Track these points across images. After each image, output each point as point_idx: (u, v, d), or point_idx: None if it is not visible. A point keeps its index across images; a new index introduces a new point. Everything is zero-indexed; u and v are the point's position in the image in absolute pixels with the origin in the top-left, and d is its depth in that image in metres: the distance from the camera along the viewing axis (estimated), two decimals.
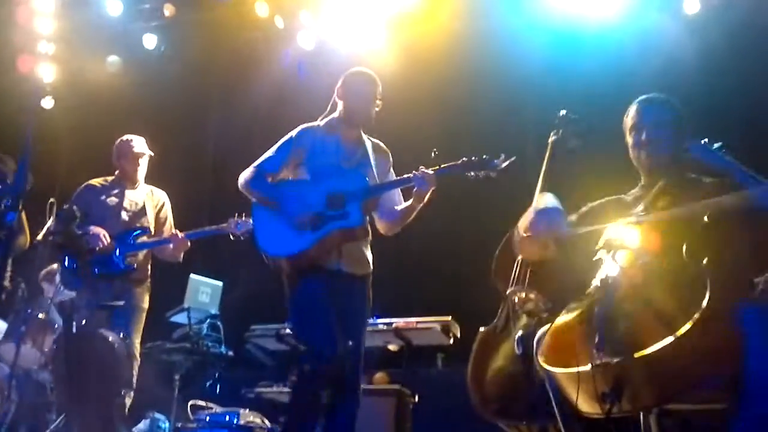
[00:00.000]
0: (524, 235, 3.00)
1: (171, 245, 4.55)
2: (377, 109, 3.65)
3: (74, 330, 3.56)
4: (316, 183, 3.48)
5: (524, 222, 3.06)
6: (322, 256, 3.39)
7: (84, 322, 3.82)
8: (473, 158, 3.47)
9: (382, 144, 3.73)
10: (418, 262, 5.90)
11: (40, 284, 5.36)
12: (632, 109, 2.92)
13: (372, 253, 3.68)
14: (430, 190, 3.43)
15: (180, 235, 4.49)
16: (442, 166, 3.46)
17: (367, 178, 3.50)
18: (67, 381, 3.44)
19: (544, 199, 3.03)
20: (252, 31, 6.75)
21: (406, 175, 3.47)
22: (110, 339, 3.75)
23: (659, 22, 5.50)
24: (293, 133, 3.63)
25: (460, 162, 3.48)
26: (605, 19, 5.57)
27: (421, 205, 3.48)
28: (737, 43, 5.16)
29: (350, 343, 3.37)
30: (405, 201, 3.60)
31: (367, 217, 3.54)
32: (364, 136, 3.68)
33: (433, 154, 3.47)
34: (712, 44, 5.18)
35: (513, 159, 3.46)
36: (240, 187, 3.60)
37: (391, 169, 3.72)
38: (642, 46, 5.36)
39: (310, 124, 3.66)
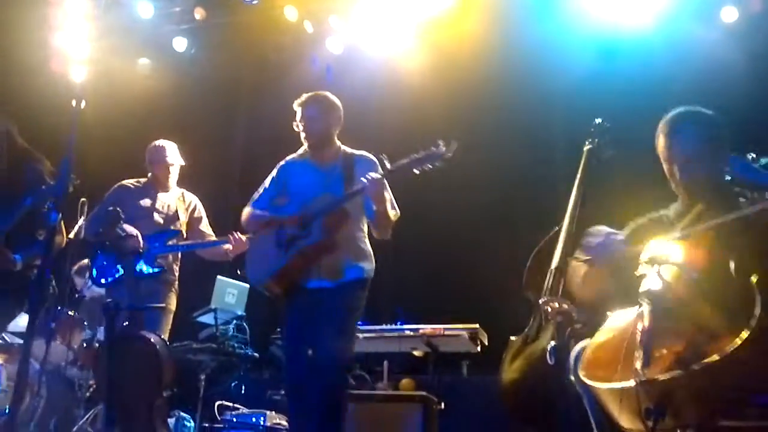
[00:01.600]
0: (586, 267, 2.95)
1: (228, 245, 4.51)
2: (335, 124, 3.82)
3: (116, 330, 3.57)
4: (294, 207, 3.77)
5: (577, 269, 3.02)
6: (294, 274, 3.66)
7: (126, 323, 3.84)
8: (420, 153, 3.59)
9: (365, 153, 3.83)
10: (447, 269, 5.90)
11: (72, 278, 5.41)
12: (661, 137, 2.82)
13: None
14: (383, 191, 3.53)
15: (240, 237, 4.43)
16: (390, 166, 3.59)
17: (338, 195, 3.68)
18: (108, 382, 3.46)
19: (598, 229, 2.98)
20: (281, 35, 6.78)
21: (356, 186, 3.62)
22: (152, 340, 3.78)
23: (696, 30, 5.45)
24: (275, 169, 3.96)
25: (407, 160, 3.59)
26: (640, 27, 5.53)
27: (383, 206, 3.58)
28: None
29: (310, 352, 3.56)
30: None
31: (333, 231, 3.65)
32: (342, 153, 3.82)
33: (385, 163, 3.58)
34: (751, 52, 5.12)
35: (457, 145, 3.60)
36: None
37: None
38: (678, 55, 5.31)
39: (290, 156, 3.94)
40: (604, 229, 2.95)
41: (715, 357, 2.05)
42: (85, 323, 5.09)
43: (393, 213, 3.67)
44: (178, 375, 4.91)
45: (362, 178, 3.54)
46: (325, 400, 3.46)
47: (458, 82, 6.01)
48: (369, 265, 3.74)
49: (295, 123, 3.84)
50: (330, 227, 3.66)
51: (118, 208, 3.99)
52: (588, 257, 2.91)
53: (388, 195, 3.62)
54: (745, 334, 2.07)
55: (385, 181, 3.53)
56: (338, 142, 3.86)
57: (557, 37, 5.77)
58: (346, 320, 3.62)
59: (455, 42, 6.06)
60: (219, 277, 5.62)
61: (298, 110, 3.83)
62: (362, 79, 6.38)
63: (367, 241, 3.80)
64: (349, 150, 3.84)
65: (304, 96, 3.85)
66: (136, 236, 4.40)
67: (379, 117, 5.83)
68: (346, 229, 3.69)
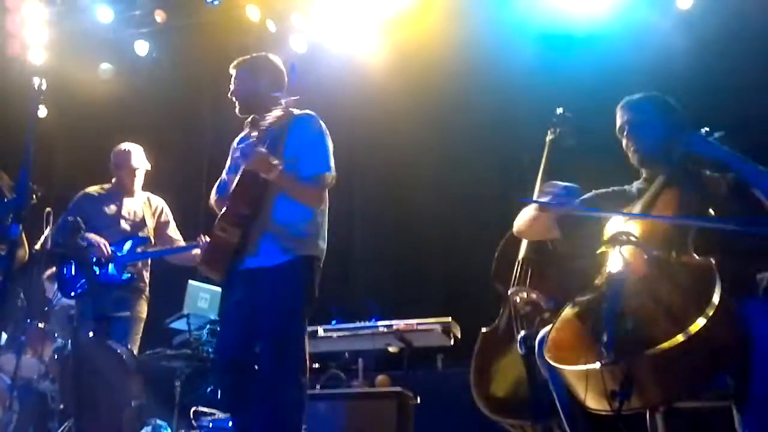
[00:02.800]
0: (534, 210, 2.96)
1: (197, 250, 4.43)
2: (269, 86, 3.49)
3: (81, 341, 3.53)
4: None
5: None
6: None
7: (91, 333, 3.80)
8: None
9: (306, 112, 3.46)
10: (417, 264, 5.91)
11: (44, 284, 5.33)
12: (618, 112, 2.94)
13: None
14: (259, 160, 3.21)
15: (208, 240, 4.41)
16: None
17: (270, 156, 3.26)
18: (75, 393, 3.42)
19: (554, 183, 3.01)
20: (244, 36, 6.73)
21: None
22: (118, 350, 3.74)
23: (652, 17, 5.50)
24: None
25: None
26: (596, 15, 5.57)
27: (270, 175, 3.24)
28: (731, 36, 5.17)
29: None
30: None
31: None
32: (283, 116, 3.40)
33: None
34: (705, 39, 5.19)
35: None
36: None
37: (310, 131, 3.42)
38: (635, 42, 5.37)
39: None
40: (559, 183, 2.99)
41: (679, 338, 2.08)
42: (56, 335, 5.03)
43: (279, 173, 3.22)
44: (152, 383, 4.90)
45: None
46: None
47: (421, 78, 6.02)
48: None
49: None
50: None
51: (78, 218, 3.92)
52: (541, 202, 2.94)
53: (275, 160, 3.22)
54: (708, 314, 2.09)
55: (256, 146, 3.20)
56: (281, 104, 3.43)
57: (516, 29, 5.80)
58: None
59: (417, 38, 6.07)
60: (191, 281, 5.56)
61: (231, 74, 3.57)
62: (326, 77, 6.36)
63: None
64: (295, 111, 3.43)
65: (236, 60, 3.58)
66: (102, 245, 4.36)
67: (343, 114, 5.81)
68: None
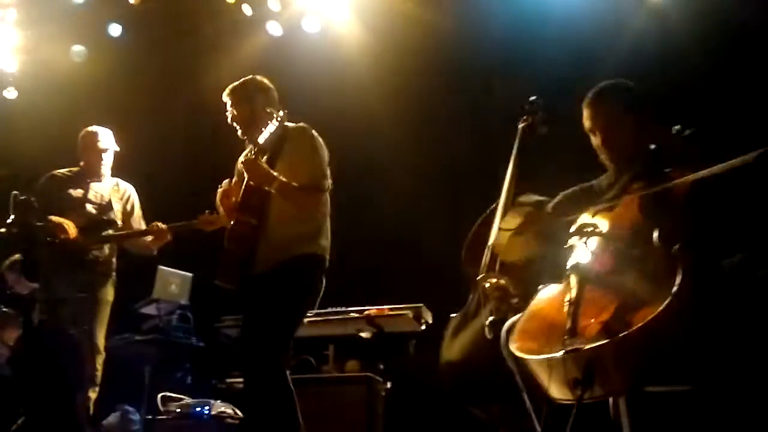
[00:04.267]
0: (509, 234, 2.99)
1: (150, 237, 4.47)
2: (261, 105, 3.75)
3: (35, 325, 3.47)
4: None
5: (510, 223, 3.06)
6: None
7: (46, 317, 3.75)
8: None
9: (300, 125, 3.75)
10: (388, 249, 5.91)
11: (3, 275, 5.26)
12: (585, 109, 2.90)
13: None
14: (254, 171, 3.54)
15: (162, 227, 4.41)
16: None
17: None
18: (28, 378, 3.38)
19: (527, 197, 3.04)
20: (219, 19, 6.67)
21: None
22: (72, 334, 3.70)
23: (623, 7, 5.52)
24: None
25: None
26: (568, 4, 5.58)
27: (263, 183, 3.56)
28: (700, 29, 5.20)
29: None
30: None
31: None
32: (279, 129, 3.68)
33: None
34: (676, 30, 5.22)
35: None
36: None
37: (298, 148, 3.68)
38: (606, 32, 5.38)
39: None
40: (533, 197, 2.99)
41: (638, 326, 2.08)
42: (21, 319, 4.96)
43: (279, 183, 3.50)
44: (121, 368, 4.86)
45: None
46: None
47: (397, 61, 6.02)
48: None
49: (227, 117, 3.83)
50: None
51: (31, 198, 3.85)
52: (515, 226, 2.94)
53: (275, 172, 3.51)
54: (666, 303, 2.10)
55: (257, 160, 3.49)
56: (274, 121, 3.70)
57: (488, 16, 5.80)
58: None
59: (392, 24, 6.05)
60: (160, 267, 5.53)
61: (226, 102, 3.82)
62: (303, 61, 6.34)
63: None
64: (290, 125, 3.73)
65: (228, 88, 3.83)
66: (63, 225, 4.29)
67: (319, 99, 5.78)
68: None
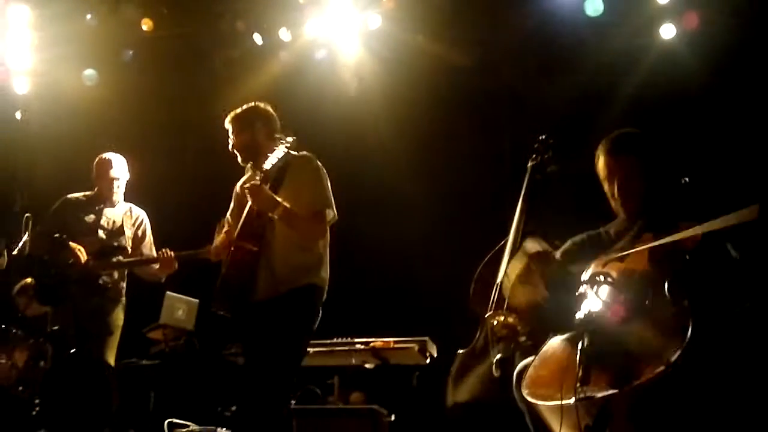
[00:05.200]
0: (517, 282, 3.03)
1: (158, 265, 4.50)
2: (262, 132, 3.74)
3: (62, 354, 3.51)
4: None
5: (514, 269, 3.10)
6: None
7: (73, 350, 3.78)
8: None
9: (304, 154, 3.72)
10: (395, 282, 5.95)
11: (14, 299, 5.29)
12: (601, 157, 2.91)
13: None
14: (256, 196, 3.49)
15: (170, 254, 4.42)
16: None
17: None
18: (56, 404, 3.40)
19: (533, 244, 3.07)
20: (230, 48, 6.76)
21: None
22: (99, 365, 3.73)
23: (635, 45, 5.59)
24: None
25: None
26: (583, 41, 5.65)
27: (266, 208, 3.53)
28: (713, 67, 5.26)
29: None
30: None
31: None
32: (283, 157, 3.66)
33: None
34: (688, 68, 5.28)
35: None
36: None
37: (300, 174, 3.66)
38: (620, 71, 5.45)
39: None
40: (537, 245, 3.03)
41: (649, 376, 2.12)
42: (31, 342, 4.99)
43: (284, 210, 3.46)
44: (127, 392, 4.88)
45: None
46: None
47: (406, 94, 6.08)
48: None
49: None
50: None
51: (64, 236, 3.91)
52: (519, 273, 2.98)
53: (270, 195, 3.48)
54: (677, 356, 2.13)
55: (261, 186, 3.45)
56: (278, 148, 3.63)
57: (499, 51, 5.87)
58: None
59: (398, 52, 6.13)
60: (168, 292, 5.56)
61: (228, 130, 3.79)
62: (313, 91, 6.40)
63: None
64: (293, 153, 3.67)
65: (229, 115, 3.80)
66: (76, 251, 4.34)
67: (330, 127, 5.85)
68: None
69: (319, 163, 3.68)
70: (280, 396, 3.44)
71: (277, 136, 3.68)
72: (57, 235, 3.93)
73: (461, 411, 3.38)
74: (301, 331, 3.54)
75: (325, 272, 3.64)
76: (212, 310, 3.64)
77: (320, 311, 3.61)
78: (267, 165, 3.53)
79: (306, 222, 3.54)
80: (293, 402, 4.61)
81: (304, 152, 3.71)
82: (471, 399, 3.35)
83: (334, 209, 3.62)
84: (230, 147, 3.76)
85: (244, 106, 3.79)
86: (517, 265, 3.10)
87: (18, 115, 6.88)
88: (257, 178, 3.52)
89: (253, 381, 3.45)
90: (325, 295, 3.63)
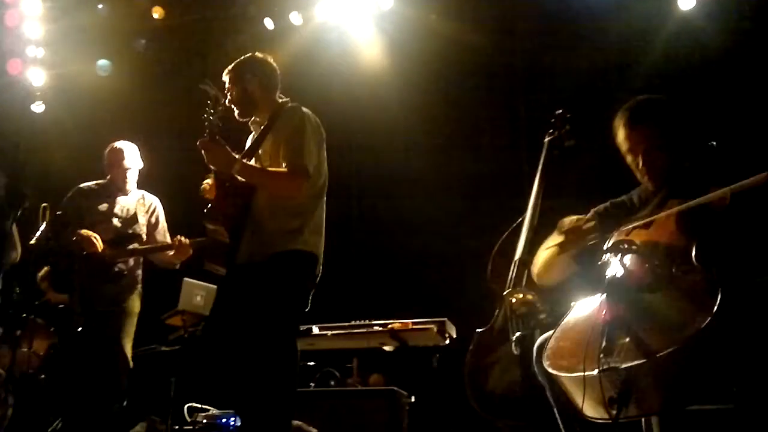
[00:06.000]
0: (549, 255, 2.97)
1: (172, 251, 4.48)
2: (256, 86, 3.54)
3: (73, 336, 3.52)
4: None
5: (547, 246, 3.03)
6: None
7: (81, 329, 3.79)
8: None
9: (294, 105, 3.51)
10: (413, 262, 5.92)
11: (39, 284, 5.32)
12: (620, 127, 2.81)
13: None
14: (210, 152, 3.34)
15: (185, 241, 4.39)
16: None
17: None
18: (65, 387, 3.42)
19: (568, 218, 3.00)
20: (241, 33, 6.73)
21: None
22: (111, 347, 3.74)
23: (654, 16, 5.49)
24: None
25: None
26: (598, 12, 5.56)
27: (222, 168, 3.37)
28: (732, 36, 5.17)
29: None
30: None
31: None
32: (276, 110, 3.50)
33: None
34: (706, 41, 5.19)
35: None
36: None
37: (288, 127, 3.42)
38: (636, 41, 5.36)
39: None
40: (574, 216, 2.96)
41: (677, 345, 2.06)
42: (52, 329, 5.03)
43: (241, 166, 3.28)
44: (147, 378, 4.89)
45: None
46: None
47: (420, 74, 6.03)
48: None
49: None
50: None
51: (65, 212, 3.89)
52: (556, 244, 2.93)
53: (222, 151, 3.27)
54: (703, 325, 2.07)
55: (210, 141, 3.25)
56: (275, 99, 3.51)
57: (513, 23, 5.80)
58: None
59: (414, 34, 6.07)
60: (186, 278, 5.56)
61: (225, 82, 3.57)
62: (325, 74, 6.37)
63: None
64: (285, 105, 3.47)
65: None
66: (91, 239, 4.35)
67: (341, 112, 5.81)
68: None
69: (308, 113, 3.41)
70: (271, 367, 3.17)
71: (275, 91, 3.48)
72: (59, 213, 3.89)
73: (478, 384, 3.34)
74: (286, 299, 3.25)
75: (315, 236, 3.37)
76: (206, 268, 3.49)
77: (312, 279, 3.37)
78: (262, 120, 3.37)
79: (278, 178, 3.28)
80: (311, 385, 4.63)
81: (296, 104, 3.48)
82: (489, 374, 3.31)
83: (320, 167, 3.39)
84: (227, 101, 3.50)
85: (242, 57, 3.58)
86: (554, 239, 3.01)
87: (33, 107, 6.90)
88: (206, 133, 3.29)
89: (237, 351, 3.23)
90: (318, 263, 3.38)
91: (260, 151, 3.44)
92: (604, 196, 3.10)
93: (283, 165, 3.30)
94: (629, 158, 2.86)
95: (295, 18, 6.52)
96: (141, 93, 6.89)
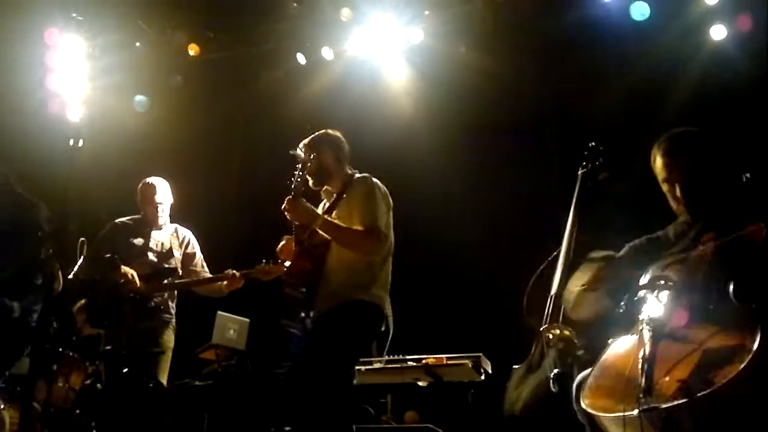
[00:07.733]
0: (583, 291, 2.94)
1: (224, 282, 4.59)
2: (329, 157, 3.80)
3: (119, 375, 3.54)
4: None
5: (579, 280, 3.00)
6: None
7: (126, 369, 3.82)
8: None
9: (363, 175, 3.77)
10: (449, 298, 5.88)
11: (75, 317, 5.37)
12: (658, 157, 2.83)
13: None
14: (293, 212, 3.56)
15: (237, 274, 4.53)
16: None
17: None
18: (110, 424, 3.43)
19: (596, 253, 2.98)
20: (274, 69, 6.84)
21: None
22: (152, 385, 3.75)
23: (685, 47, 5.46)
24: None
25: None
26: (629, 46, 5.54)
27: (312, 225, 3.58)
28: (764, 68, 5.11)
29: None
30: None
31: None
32: (347, 179, 3.78)
33: None
34: (739, 70, 5.14)
35: None
36: None
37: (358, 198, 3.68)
38: (668, 74, 5.33)
39: None
40: (602, 252, 2.93)
41: (719, 384, 2.01)
42: (87, 364, 5.06)
43: (323, 221, 3.54)
44: (181, 413, 4.90)
45: None
46: None
47: (452, 109, 6.04)
48: None
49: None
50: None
51: (115, 256, 3.98)
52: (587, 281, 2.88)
53: (306, 207, 3.55)
54: (745, 362, 2.03)
55: (296, 200, 3.51)
56: (346, 171, 3.81)
57: (551, 57, 5.79)
58: None
59: (445, 69, 6.09)
60: (219, 312, 5.58)
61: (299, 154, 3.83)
62: (356, 109, 6.42)
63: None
64: (356, 175, 3.77)
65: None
66: (129, 275, 4.40)
67: (374, 145, 5.83)
68: None
69: (377, 182, 3.71)
70: (331, 410, 3.37)
71: (344, 161, 3.78)
72: (108, 255, 3.98)
73: (515, 422, 3.28)
74: (345, 345, 3.49)
75: (381, 290, 3.62)
76: (284, 328, 3.65)
77: (376, 328, 3.59)
78: (334, 189, 3.68)
79: (354, 236, 3.53)
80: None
81: (364, 173, 3.77)
82: (526, 411, 3.25)
83: (386, 223, 3.61)
84: (302, 172, 3.71)
85: (315, 133, 3.87)
86: (584, 275, 2.98)
87: (73, 143, 7.02)
88: (292, 194, 3.56)
89: (302, 394, 3.42)
90: (382, 315, 3.60)
91: (334, 215, 3.67)
92: (639, 228, 3.06)
93: (358, 226, 3.55)
94: (666, 187, 2.85)
95: (326, 53, 6.61)
96: (177, 127, 7.00)
